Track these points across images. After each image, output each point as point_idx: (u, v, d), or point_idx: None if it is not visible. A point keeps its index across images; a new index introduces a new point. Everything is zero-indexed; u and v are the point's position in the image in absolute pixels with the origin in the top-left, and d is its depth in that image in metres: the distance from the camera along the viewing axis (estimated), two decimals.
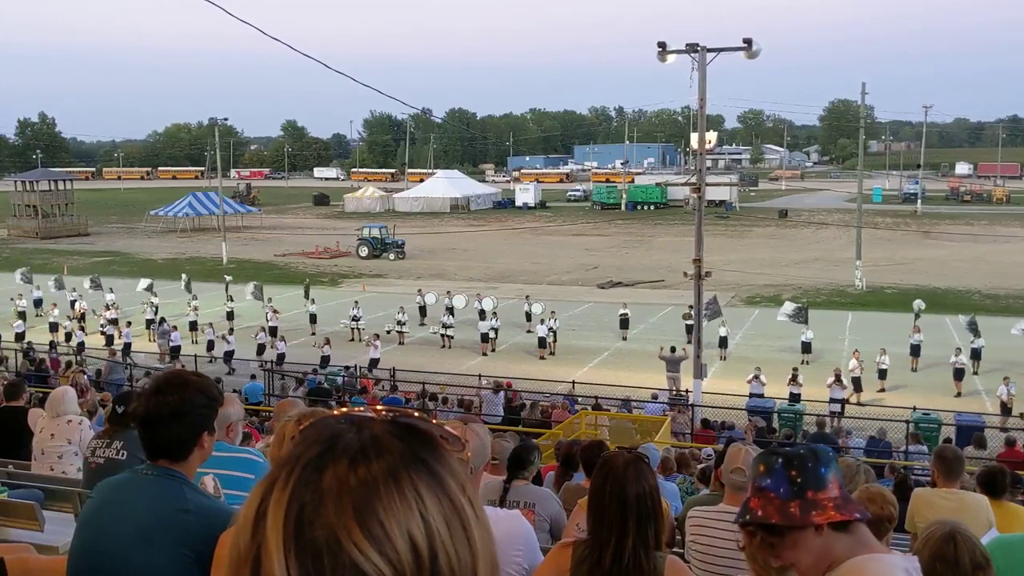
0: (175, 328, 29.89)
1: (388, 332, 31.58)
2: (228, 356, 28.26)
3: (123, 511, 2.55)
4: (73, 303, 34.85)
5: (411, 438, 0.85)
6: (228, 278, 37.36)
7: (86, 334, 31.34)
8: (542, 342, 29.32)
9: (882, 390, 24.69)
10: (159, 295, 35.06)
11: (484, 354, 29.73)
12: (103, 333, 31.17)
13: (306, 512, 0.77)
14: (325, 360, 26.90)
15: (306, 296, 33.72)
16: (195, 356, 28.19)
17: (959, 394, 24.27)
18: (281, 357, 27.70)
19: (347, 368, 25.93)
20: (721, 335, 27.97)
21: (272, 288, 38.19)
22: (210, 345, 29.38)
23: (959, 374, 24.59)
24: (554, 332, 29.67)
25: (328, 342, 28.28)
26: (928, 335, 27.04)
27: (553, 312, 30.66)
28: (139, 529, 2.49)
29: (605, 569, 2.78)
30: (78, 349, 29.30)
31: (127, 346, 29.63)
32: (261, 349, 28.78)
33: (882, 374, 24.87)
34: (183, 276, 37.69)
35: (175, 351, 28.75)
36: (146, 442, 2.65)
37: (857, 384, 24.27)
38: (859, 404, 23.11)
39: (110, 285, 37.15)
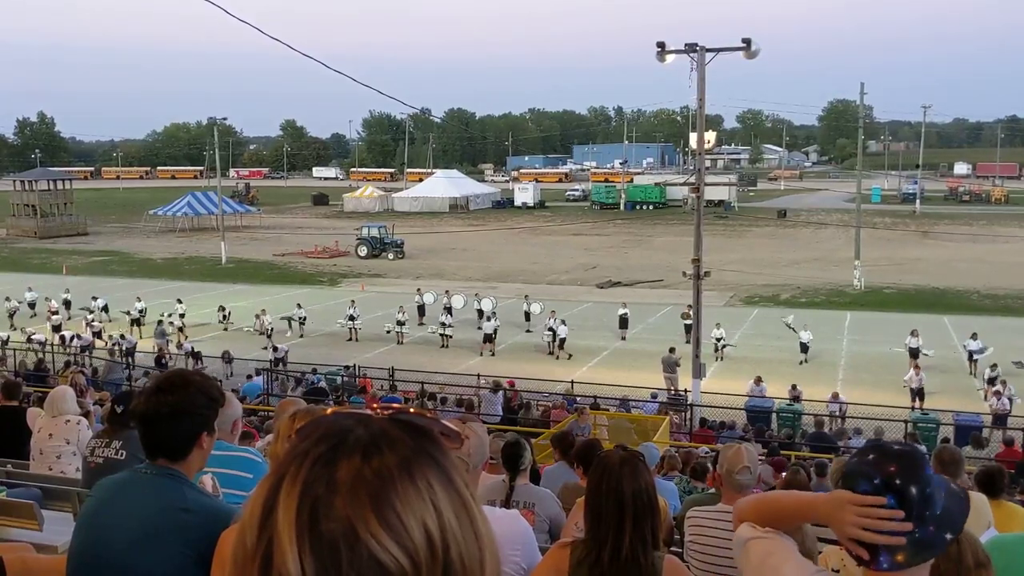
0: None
1: (388, 332, 31.63)
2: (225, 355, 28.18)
3: (123, 510, 2.54)
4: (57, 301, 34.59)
5: (414, 433, 0.85)
6: (180, 305, 33.24)
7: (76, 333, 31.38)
8: (560, 341, 29.43)
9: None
10: (148, 297, 34.99)
11: (482, 354, 29.75)
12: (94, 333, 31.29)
13: (320, 506, 0.78)
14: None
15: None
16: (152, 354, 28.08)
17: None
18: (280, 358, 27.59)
19: (347, 368, 25.92)
20: (716, 337, 27.98)
21: (271, 288, 38.19)
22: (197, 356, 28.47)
23: (994, 383, 24.11)
24: (553, 332, 29.66)
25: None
26: (927, 336, 27.00)
27: (553, 311, 30.60)
28: (139, 528, 2.49)
29: (604, 567, 2.78)
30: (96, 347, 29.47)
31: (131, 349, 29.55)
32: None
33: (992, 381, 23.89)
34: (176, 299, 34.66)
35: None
36: (145, 441, 2.65)
37: (919, 395, 23.54)
38: (922, 409, 22.03)
39: (103, 286, 37.16)
